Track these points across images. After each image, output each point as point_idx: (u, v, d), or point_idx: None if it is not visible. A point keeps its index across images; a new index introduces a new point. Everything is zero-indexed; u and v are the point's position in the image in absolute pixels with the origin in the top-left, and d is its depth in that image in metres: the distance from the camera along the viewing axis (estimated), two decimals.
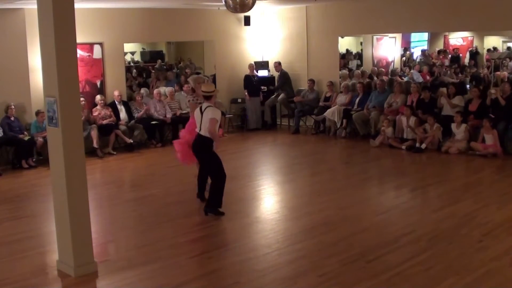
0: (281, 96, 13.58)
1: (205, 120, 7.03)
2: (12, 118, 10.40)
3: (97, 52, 11.75)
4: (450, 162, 10.02)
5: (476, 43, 15.04)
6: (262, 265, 5.64)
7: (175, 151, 7.97)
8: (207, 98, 7.18)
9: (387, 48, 15.48)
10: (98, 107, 11.41)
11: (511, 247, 5.82)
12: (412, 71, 14.86)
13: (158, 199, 8.14)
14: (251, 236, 6.58)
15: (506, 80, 12.75)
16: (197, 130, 7.19)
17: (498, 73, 13.65)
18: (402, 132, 11.22)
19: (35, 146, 10.35)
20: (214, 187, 7.11)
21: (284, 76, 13.71)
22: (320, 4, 13.06)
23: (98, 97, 11.47)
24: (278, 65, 13.74)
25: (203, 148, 7.15)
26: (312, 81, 13.36)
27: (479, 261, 5.48)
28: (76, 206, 5.30)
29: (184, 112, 12.54)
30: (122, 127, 11.55)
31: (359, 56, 15.70)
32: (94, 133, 10.93)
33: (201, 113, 7.10)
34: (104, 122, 11.31)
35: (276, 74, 13.99)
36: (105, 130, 11.24)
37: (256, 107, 13.76)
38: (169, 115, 12.22)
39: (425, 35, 15.93)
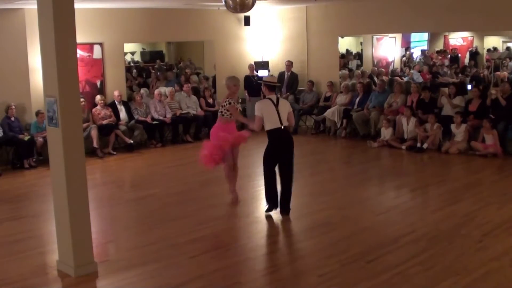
0: (290, 97, 13.48)
1: (284, 112, 6.87)
2: (12, 118, 10.40)
3: (97, 52, 11.75)
4: (450, 162, 10.02)
5: (476, 43, 15.05)
6: (262, 265, 5.65)
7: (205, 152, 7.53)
8: (272, 89, 7.03)
9: (387, 48, 15.48)
10: (98, 107, 11.41)
11: (511, 247, 5.82)
12: (412, 71, 14.86)
13: (158, 199, 8.14)
14: (251, 236, 6.58)
15: (506, 80, 12.75)
16: (278, 125, 6.84)
17: (498, 73, 13.66)
18: (402, 134, 11.21)
19: (35, 146, 10.35)
20: (291, 183, 7.05)
21: (294, 77, 13.66)
22: (320, 4, 13.07)
23: (98, 97, 11.47)
24: (289, 64, 13.62)
25: (291, 142, 7.00)
26: (311, 83, 13.39)
27: (479, 261, 5.48)
28: (76, 206, 5.30)
29: (184, 112, 12.56)
30: (122, 127, 11.54)
31: (359, 56, 15.70)
32: (94, 133, 10.93)
33: (275, 105, 6.85)
34: (104, 122, 11.31)
35: (276, 74, 13.97)
36: (105, 130, 11.24)
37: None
38: (169, 115, 12.22)
39: (425, 35, 15.93)
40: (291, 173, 7.07)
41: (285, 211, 7.04)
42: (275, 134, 6.90)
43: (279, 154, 6.99)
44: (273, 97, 6.94)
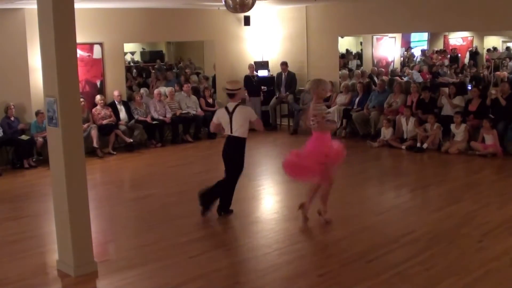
0: (290, 96, 13.46)
1: (238, 121, 6.82)
2: (12, 118, 10.40)
3: (97, 52, 11.75)
4: (450, 162, 10.02)
5: (476, 43, 15.05)
6: (262, 265, 5.64)
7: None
8: (231, 96, 6.99)
9: (387, 48, 15.48)
10: (98, 107, 11.41)
11: (511, 247, 5.83)
12: (412, 71, 14.86)
13: (158, 199, 8.14)
14: (251, 236, 6.58)
15: (506, 80, 12.76)
16: (227, 132, 6.94)
17: (498, 73, 13.66)
18: (402, 133, 11.21)
19: (35, 146, 10.35)
20: (231, 186, 7.09)
21: (292, 77, 13.64)
22: (320, 4, 13.07)
23: (98, 97, 11.47)
24: (285, 66, 13.53)
25: (236, 149, 6.94)
26: None
27: (479, 261, 5.48)
28: (76, 206, 5.30)
29: (184, 112, 12.56)
30: (122, 127, 11.54)
31: (359, 56, 15.71)
32: (94, 133, 10.93)
33: (229, 114, 6.87)
34: (104, 122, 11.31)
35: (275, 74, 13.96)
36: (105, 130, 11.24)
37: (256, 107, 13.72)
38: (169, 115, 12.22)
39: (425, 35, 15.94)
40: (232, 175, 7.05)
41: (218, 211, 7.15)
42: (225, 141, 7.05)
43: (224, 160, 7.07)
44: (231, 105, 6.94)
